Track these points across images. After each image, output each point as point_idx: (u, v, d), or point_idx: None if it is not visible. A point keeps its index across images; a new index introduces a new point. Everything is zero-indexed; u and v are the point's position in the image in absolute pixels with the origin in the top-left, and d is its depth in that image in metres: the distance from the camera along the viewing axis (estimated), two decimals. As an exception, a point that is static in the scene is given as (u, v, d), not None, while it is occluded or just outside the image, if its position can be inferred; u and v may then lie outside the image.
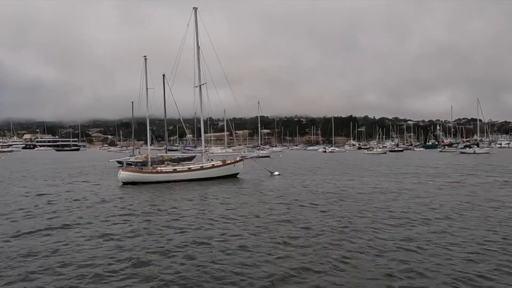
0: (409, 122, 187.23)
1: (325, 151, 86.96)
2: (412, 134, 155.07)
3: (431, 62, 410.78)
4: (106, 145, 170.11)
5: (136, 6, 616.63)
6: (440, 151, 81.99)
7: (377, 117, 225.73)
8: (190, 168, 24.49)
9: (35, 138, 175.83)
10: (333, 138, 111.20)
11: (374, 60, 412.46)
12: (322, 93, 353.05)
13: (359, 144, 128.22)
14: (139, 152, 45.90)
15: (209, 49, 26.01)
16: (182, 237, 9.79)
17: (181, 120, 37.97)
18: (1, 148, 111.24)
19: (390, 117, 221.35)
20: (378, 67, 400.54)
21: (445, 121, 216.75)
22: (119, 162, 43.39)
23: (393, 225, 10.77)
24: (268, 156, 58.71)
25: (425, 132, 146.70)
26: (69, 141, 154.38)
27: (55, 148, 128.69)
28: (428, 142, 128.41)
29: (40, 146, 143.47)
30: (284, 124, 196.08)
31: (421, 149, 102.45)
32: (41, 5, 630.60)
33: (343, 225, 10.85)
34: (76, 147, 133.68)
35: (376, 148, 79.90)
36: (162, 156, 42.40)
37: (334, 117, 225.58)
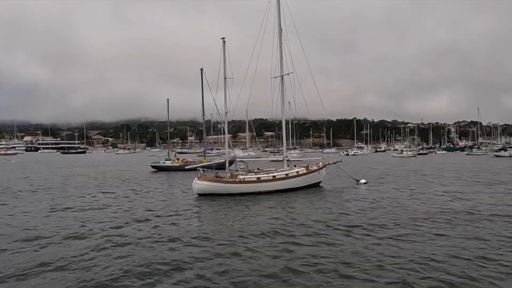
0: (409, 124, 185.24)
1: (347, 154, 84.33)
2: (413, 136, 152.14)
3: (430, 64, 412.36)
4: (111, 147, 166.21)
5: (131, 7, 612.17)
6: (467, 154, 79.53)
7: (376, 120, 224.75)
8: (275, 177, 21.39)
9: (36, 140, 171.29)
10: (354, 141, 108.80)
11: (373, 61, 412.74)
12: (321, 95, 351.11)
13: (367, 147, 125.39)
14: (174, 155, 42.63)
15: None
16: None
17: (225, 121, 35.37)
18: (6, 150, 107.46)
19: (389, 120, 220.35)
20: (377, 68, 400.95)
21: (444, 123, 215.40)
22: (153, 166, 40.13)
23: None
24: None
25: (439, 135, 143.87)
26: (74, 143, 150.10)
27: (61, 151, 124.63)
28: (443, 144, 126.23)
29: (44, 148, 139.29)
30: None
31: (443, 151, 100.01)
32: (36, 7, 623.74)
33: None
34: (82, 150, 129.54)
35: (406, 151, 77.63)
36: (200, 161, 40.23)
37: (338, 119, 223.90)
